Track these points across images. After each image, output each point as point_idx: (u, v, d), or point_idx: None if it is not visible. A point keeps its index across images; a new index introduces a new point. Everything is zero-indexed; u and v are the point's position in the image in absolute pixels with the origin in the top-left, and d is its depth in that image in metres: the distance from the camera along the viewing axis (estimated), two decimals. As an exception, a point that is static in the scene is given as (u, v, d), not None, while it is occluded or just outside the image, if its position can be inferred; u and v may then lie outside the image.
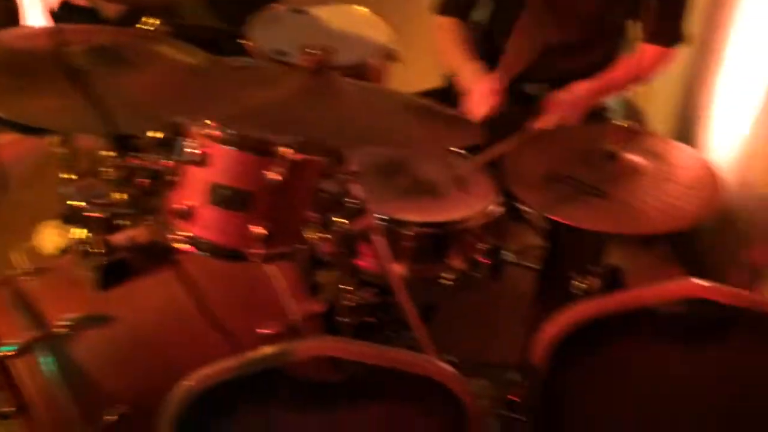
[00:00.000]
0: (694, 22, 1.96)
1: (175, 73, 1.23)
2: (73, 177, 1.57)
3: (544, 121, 1.78)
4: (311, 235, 1.17)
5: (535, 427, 1.14)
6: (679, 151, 1.49)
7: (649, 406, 1.14)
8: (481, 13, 2.04)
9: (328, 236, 1.16)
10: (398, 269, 1.54)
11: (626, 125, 1.41)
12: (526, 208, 1.82)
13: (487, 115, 1.77)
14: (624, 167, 1.40)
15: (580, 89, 1.84)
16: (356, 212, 1.17)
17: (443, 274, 1.61)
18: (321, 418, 1.00)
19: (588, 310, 1.08)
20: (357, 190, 1.21)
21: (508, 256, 2.34)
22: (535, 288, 1.94)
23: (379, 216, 1.51)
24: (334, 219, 1.16)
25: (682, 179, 1.37)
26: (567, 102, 1.80)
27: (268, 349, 0.95)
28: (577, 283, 1.51)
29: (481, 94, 1.79)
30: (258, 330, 1.42)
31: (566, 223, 1.29)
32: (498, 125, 1.77)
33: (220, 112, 1.11)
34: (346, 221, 1.17)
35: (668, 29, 1.88)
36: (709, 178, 1.40)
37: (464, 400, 1.02)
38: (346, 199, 1.19)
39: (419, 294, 2.13)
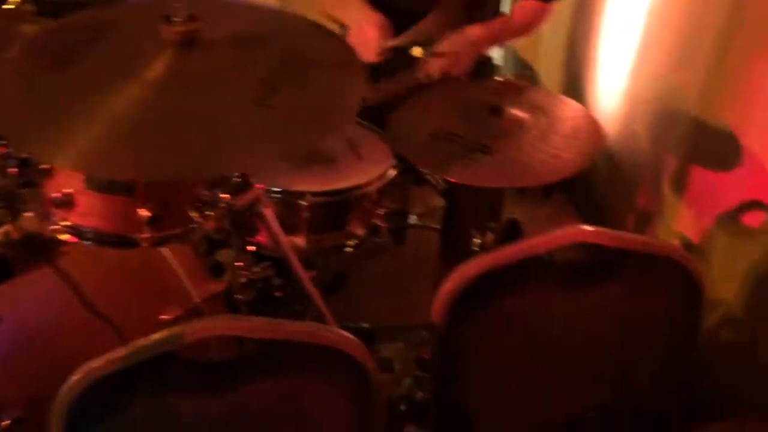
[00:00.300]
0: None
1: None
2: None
3: (434, 62, 1.75)
4: (196, 214, 1.12)
5: (436, 382, 1.15)
6: (562, 104, 1.52)
7: (545, 352, 1.18)
8: None
9: (213, 214, 1.12)
10: (298, 241, 1.52)
11: (508, 79, 1.43)
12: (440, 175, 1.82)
13: (377, 55, 1.72)
14: (508, 122, 1.42)
15: (472, 32, 1.82)
16: (240, 186, 1.13)
17: (346, 242, 1.59)
18: (221, 398, 0.97)
19: (481, 264, 1.10)
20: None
21: (412, 219, 2.37)
22: (438, 247, 1.97)
23: (272, 188, 1.48)
24: (219, 195, 1.12)
25: (565, 130, 1.41)
26: (459, 44, 1.78)
27: (157, 335, 0.91)
28: (475, 239, 1.54)
29: (364, 43, 1.73)
30: (159, 316, 1.38)
31: (452, 181, 1.30)
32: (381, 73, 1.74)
33: (73, 138, 1.01)
34: (230, 196, 1.12)
35: None
36: (590, 127, 1.44)
37: (366, 366, 1.01)
38: (230, 176, 1.15)
39: (327, 264, 2.13)
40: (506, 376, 1.17)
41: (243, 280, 1.24)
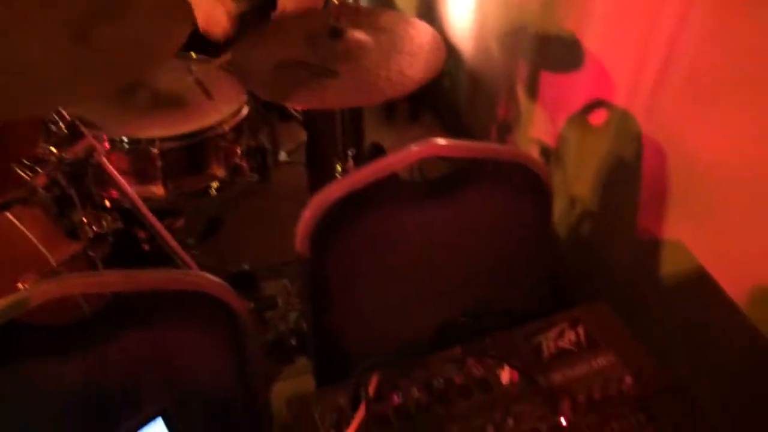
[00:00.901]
0: None
1: None
2: None
3: (285, 5, 1.72)
4: (26, 172, 1.06)
5: (310, 310, 1.17)
6: (405, 23, 1.52)
7: (410, 267, 1.21)
8: None
9: (42, 171, 1.06)
10: (155, 190, 1.47)
11: (344, 1, 1.41)
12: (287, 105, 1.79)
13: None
14: (350, 44, 1.41)
15: None
16: (70, 137, 1.06)
17: (208, 186, 1.56)
18: (80, 360, 0.94)
19: (336, 189, 1.10)
20: (69, 113, 1.10)
21: (282, 155, 2.34)
22: (307, 181, 1.96)
23: (120, 138, 1.42)
24: (47, 149, 1.05)
25: (409, 48, 1.41)
26: None
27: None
28: (337, 167, 1.54)
29: (213, 16, 1.69)
30: (18, 283, 1.31)
31: (304, 109, 1.28)
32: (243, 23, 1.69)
33: None
34: (60, 149, 1.06)
35: None
36: (432, 42, 1.45)
37: (232, 306, 1.00)
38: (58, 125, 1.08)
39: (199, 210, 2.08)
40: (377, 295, 1.19)
41: (91, 235, 1.19)
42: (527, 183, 1.24)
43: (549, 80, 1.98)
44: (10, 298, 0.87)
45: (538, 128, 2.05)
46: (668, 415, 0.91)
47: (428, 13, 2.63)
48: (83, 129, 1.07)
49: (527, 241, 1.31)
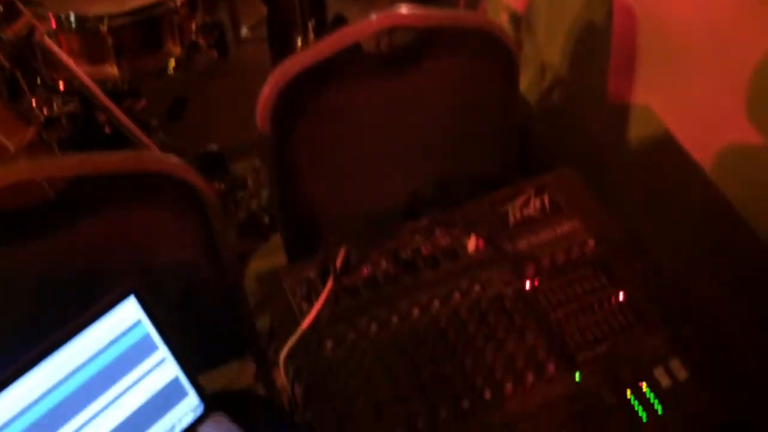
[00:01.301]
0: None
1: None
2: None
3: None
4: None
5: (275, 187, 1.16)
6: None
7: (376, 140, 1.20)
8: None
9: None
10: (109, 70, 1.41)
11: None
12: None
13: None
14: None
15: None
16: (7, 15, 1.00)
17: (165, 64, 1.50)
18: (50, 243, 0.93)
19: (294, 63, 1.06)
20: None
21: (243, 31, 2.25)
22: (270, 57, 1.90)
23: (67, 16, 1.34)
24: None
25: None
26: None
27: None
28: (298, 41, 1.48)
29: None
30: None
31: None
32: None
33: None
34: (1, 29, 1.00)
35: None
36: None
37: (195, 185, 0.99)
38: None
39: (163, 92, 2.01)
40: (343, 169, 1.18)
41: (42, 119, 1.14)
42: (491, 50, 1.21)
43: (518, -59, 1.89)
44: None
45: (508, -6, 1.97)
46: (630, 275, 0.94)
47: None
48: (20, 5, 1.00)
49: (493, 110, 1.29)
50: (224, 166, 1.82)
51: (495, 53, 1.20)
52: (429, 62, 1.20)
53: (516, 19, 1.94)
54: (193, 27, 1.49)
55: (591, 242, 0.97)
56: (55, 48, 1.07)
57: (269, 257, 1.64)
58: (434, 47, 1.18)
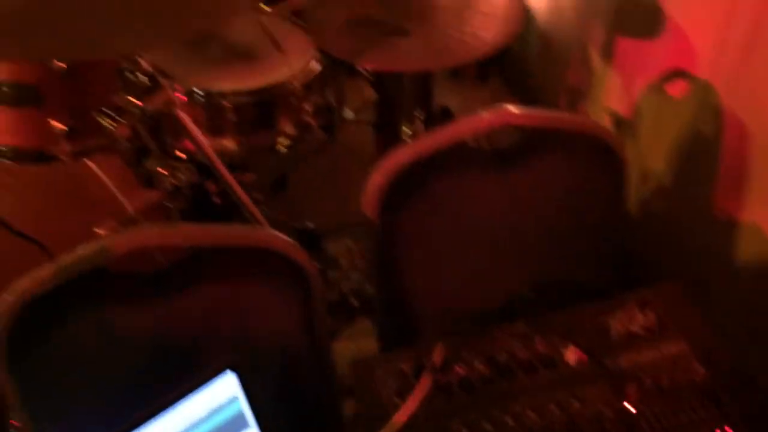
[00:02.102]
0: None
1: None
2: None
3: None
4: (108, 121, 1.08)
5: (376, 274, 1.18)
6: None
7: (480, 236, 1.20)
8: None
9: (126, 121, 1.08)
10: (227, 143, 1.49)
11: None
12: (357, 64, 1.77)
13: None
14: (425, 2, 1.38)
15: None
16: (150, 88, 1.08)
17: (278, 141, 1.57)
18: (158, 308, 0.97)
19: (405, 153, 1.09)
20: (149, 64, 1.11)
21: (348, 114, 2.33)
22: (374, 140, 1.96)
23: (194, 90, 1.43)
24: (129, 100, 1.07)
25: (483, 8, 1.37)
26: None
27: (81, 250, 0.89)
28: (405, 129, 1.53)
29: None
30: (95, 229, 1.36)
31: (373, 68, 1.27)
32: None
33: None
34: (142, 100, 1.08)
35: None
36: (508, 3, 1.41)
37: (302, 264, 1.02)
38: (138, 75, 1.10)
39: (266, 166, 2.10)
40: (444, 263, 1.19)
41: (169, 187, 1.21)
42: (601, 156, 1.21)
43: (625, 46, 1.91)
44: (94, 246, 0.90)
45: (611, 96, 1.98)
46: (739, 408, 0.89)
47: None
48: (163, 81, 1.09)
49: (598, 216, 1.28)
50: (319, 244, 1.86)
51: (603, 158, 1.20)
52: (535, 162, 1.21)
53: (618, 121, 1.94)
54: (307, 108, 1.56)
55: (699, 368, 0.93)
56: (188, 121, 1.15)
57: (355, 340, 1.65)
58: (541, 148, 1.20)
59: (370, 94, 2.25)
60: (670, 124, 1.69)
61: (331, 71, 1.67)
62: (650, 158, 1.78)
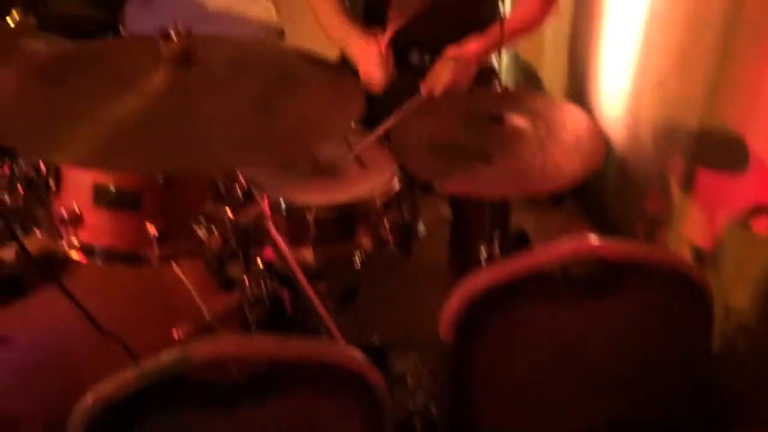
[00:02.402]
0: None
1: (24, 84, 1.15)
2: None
3: (437, 81, 1.76)
4: (202, 231, 1.13)
5: (447, 399, 1.15)
6: (563, 111, 1.51)
7: (554, 366, 1.17)
8: None
9: (219, 232, 1.12)
10: (306, 255, 1.52)
11: (507, 88, 1.43)
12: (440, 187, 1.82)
13: (384, 79, 1.74)
14: (509, 130, 1.41)
15: (470, 45, 1.83)
16: (245, 201, 1.13)
17: (354, 256, 1.59)
18: (233, 417, 0.98)
19: (484, 279, 1.10)
20: (243, 177, 1.17)
21: (420, 228, 2.36)
22: (448, 259, 1.96)
23: (279, 201, 1.49)
24: (224, 211, 1.12)
25: (566, 138, 1.40)
26: (458, 59, 1.78)
27: (164, 358, 0.92)
28: (482, 250, 1.53)
29: (371, 60, 1.74)
30: (173, 332, 1.39)
31: (453, 192, 1.30)
32: (388, 95, 1.75)
33: (80, 139, 1.03)
34: (236, 212, 1.13)
35: None
36: (592, 135, 1.43)
37: (375, 383, 1.01)
38: (234, 187, 1.16)
39: (336, 278, 2.13)
40: (516, 391, 1.16)
41: (250, 295, 1.24)
42: (684, 291, 1.18)
43: (707, 178, 1.89)
44: (173, 356, 0.92)
45: (691, 227, 1.95)
46: None
47: (577, 94, 2.61)
48: (257, 195, 1.14)
49: (679, 352, 1.23)
50: (384, 361, 1.84)
51: (687, 293, 1.17)
52: (614, 293, 1.18)
53: (699, 254, 1.90)
54: (386, 224, 1.59)
55: None
56: (275, 233, 1.19)
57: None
58: (621, 279, 1.18)
59: (444, 211, 2.28)
60: (755, 262, 1.64)
61: (408, 187, 1.71)
62: (733, 295, 1.71)
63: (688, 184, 1.96)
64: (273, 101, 1.09)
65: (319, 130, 1.10)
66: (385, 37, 1.71)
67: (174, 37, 1.09)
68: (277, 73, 1.18)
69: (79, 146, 1.02)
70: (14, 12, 1.86)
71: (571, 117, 1.49)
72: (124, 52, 1.26)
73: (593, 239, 1.13)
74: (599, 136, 1.43)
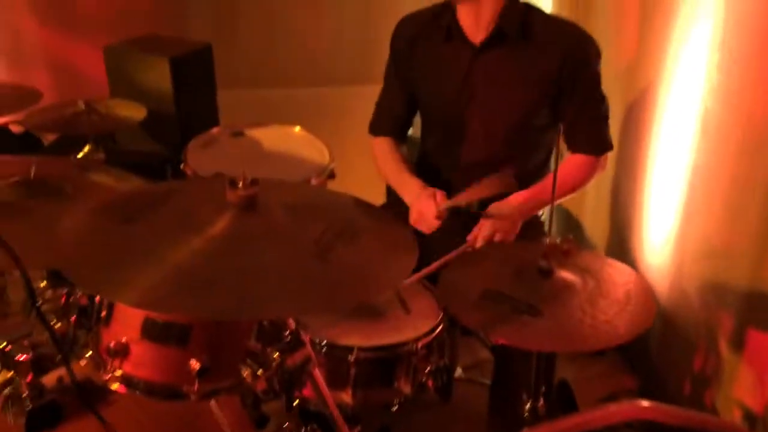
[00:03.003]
0: (612, 128, 2.06)
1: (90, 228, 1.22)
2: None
3: (483, 233, 1.82)
4: (247, 371, 1.13)
5: None
6: (611, 267, 1.52)
7: None
8: (431, 139, 2.12)
9: (264, 374, 1.12)
10: (344, 397, 1.50)
11: (558, 241, 1.44)
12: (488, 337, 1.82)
13: (430, 232, 1.81)
14: (558, 284, 1.42)
15: (516, 200, 1.89)
16: (292, 344, 1.14)
17: (392, 400, 1.56)
18: None
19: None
20: (293, 321, 1.19)
21: (458, 371, 2.31)
22: (488, 406, 1.90)
23: (320, 341, 1.49)
24: (270, 352, 1.13)
25: (616, 295, 1.40)
26: (504, 213, 1.84)
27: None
28: (525, 404, 1.50)
29: (423, 214, 1.83)
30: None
31: (501, 343, 1.30)
32: (437, 241, 1.80)
33: (138, 279, 1.08)
34: (283, 356, 1.13)
35: (595, 138, 1.97)
36: (642, 293, 1.43)
37: None
38: (282, 329, 1.17)
39: (370, 417, 2.07)
40: None
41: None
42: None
43: (759, 339, 1.84)
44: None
45: (742, 389, 1.87)
46: None
47: (620, 243, 2.61)
48: (305, 339, 1.14)
49: None
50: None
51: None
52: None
53: (751, 418, 1.81)
54: (426, 369, 1.56)
55: None
56: (320, 378, 1.18)
57: None
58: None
59: (484, 354, 2.23)
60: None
61: (449, 330, 1.70)
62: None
63: (738, 343, 1.90)
64: (330, 249, 1.13)
65: (373, 281, 1.12)
66: (446, 204, 1.80)
67: (240, 185, 1.15)
68: (336, 221, 1.22)
69: (138, 287, 1.06)
70: (86, 147, 2.00)
71: (621, 273, 1.49)
72: (191, 193, 1.32)
73: (644, 403, 1.10)
74: (650, 294, 1.42)
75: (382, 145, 2.11)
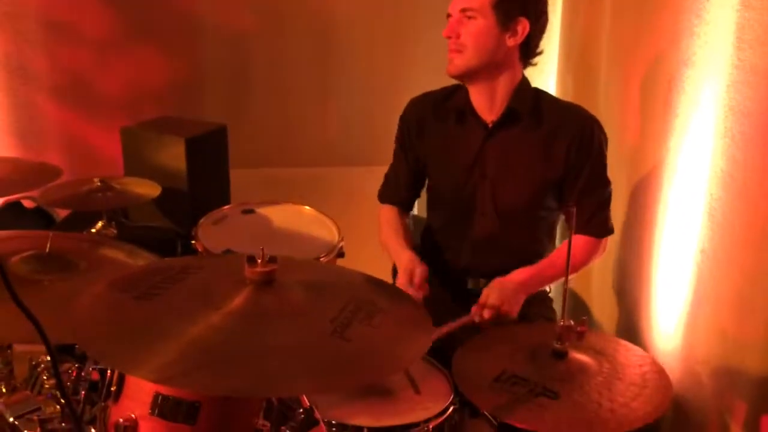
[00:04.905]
0: (618, 211, 2.09)
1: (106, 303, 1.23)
2: (3, 390, 1.51)
3: (483, 305, 1.81)
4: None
5: None
6: (625, 349, 1.51)
7: None
8: (438, 216, 2.15)
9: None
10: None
11: (572, 323, 1.44)
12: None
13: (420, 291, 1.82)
14: (573, 366, 1.41)
15: (516, 276, 1.90)
16: (307, 424, 1.12)
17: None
18: None
19: None
20: (306, 399, 1.18)
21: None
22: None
23: (329, 421, 1.46)
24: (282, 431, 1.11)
25: (631, 378, 1.39)
26: (507, 288, 1.85)
27: None
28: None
29: (404, 286, 1.85)
30: None
31: (521, 426, 1.28)
32: (443, 319, 1.80)
33: (156, 354, 1.08)
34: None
35: (598, 222, 2.00)
36: (658, 376, 1.42)
37: None
38: (294, 409, 1.15)
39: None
40: None
41: None
42: None
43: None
44: None
45: (757, 478, 1.82)
46: None
47: (629, 329, 2.58)
48: (319, 417, 1.13)
49: None
50: None
51: None
52: None
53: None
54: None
55: None
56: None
57: None
58: None
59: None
60: None
61: (457, 411, 1.67)
62: None
63: (752, 431, 1.86)
64: (347, 327, 1.13)
65: (389, 360, 1.13)
66: (421, 278, 1.83)
67: (259, 261, 1.16)
68: (352, 299, 1.23)
69: (154, 363, 1.06)
70: (99, 223, 2.03)
71: (635, 356, 1.49)
72: (207, 269, 1.34)
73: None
74: (665, 377, 1.41)
75: (387, 212, 2.16)
